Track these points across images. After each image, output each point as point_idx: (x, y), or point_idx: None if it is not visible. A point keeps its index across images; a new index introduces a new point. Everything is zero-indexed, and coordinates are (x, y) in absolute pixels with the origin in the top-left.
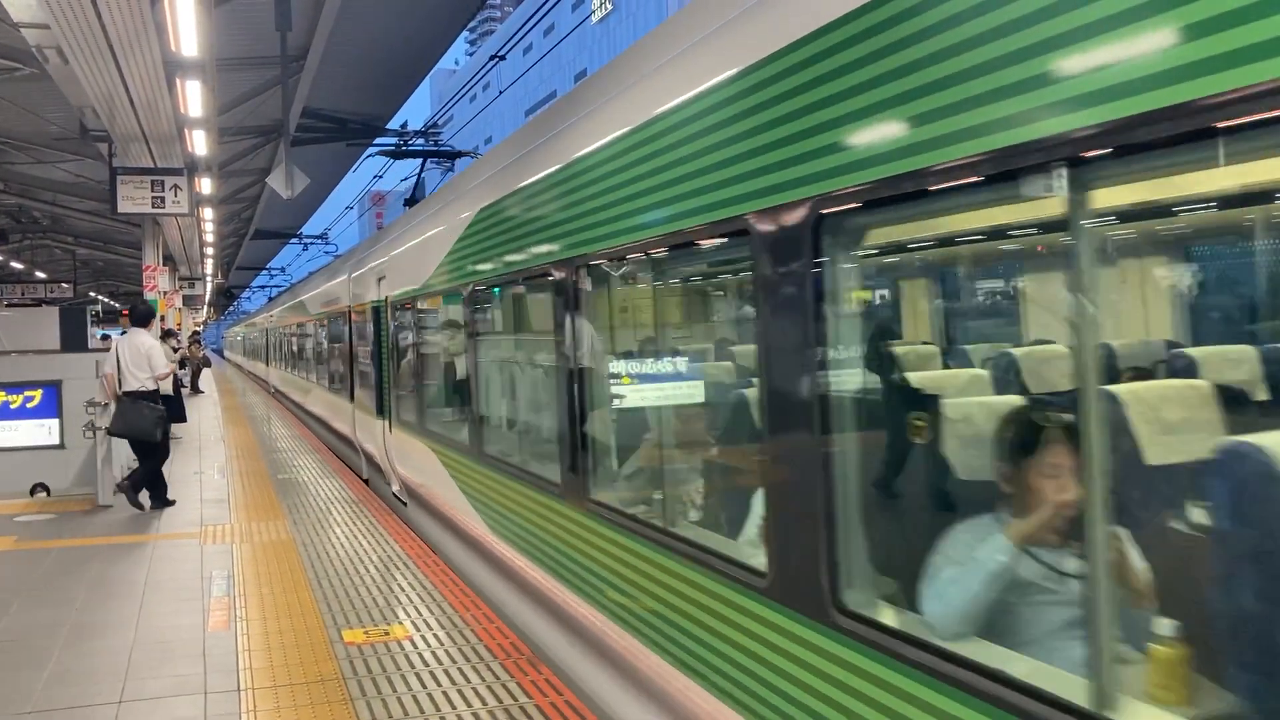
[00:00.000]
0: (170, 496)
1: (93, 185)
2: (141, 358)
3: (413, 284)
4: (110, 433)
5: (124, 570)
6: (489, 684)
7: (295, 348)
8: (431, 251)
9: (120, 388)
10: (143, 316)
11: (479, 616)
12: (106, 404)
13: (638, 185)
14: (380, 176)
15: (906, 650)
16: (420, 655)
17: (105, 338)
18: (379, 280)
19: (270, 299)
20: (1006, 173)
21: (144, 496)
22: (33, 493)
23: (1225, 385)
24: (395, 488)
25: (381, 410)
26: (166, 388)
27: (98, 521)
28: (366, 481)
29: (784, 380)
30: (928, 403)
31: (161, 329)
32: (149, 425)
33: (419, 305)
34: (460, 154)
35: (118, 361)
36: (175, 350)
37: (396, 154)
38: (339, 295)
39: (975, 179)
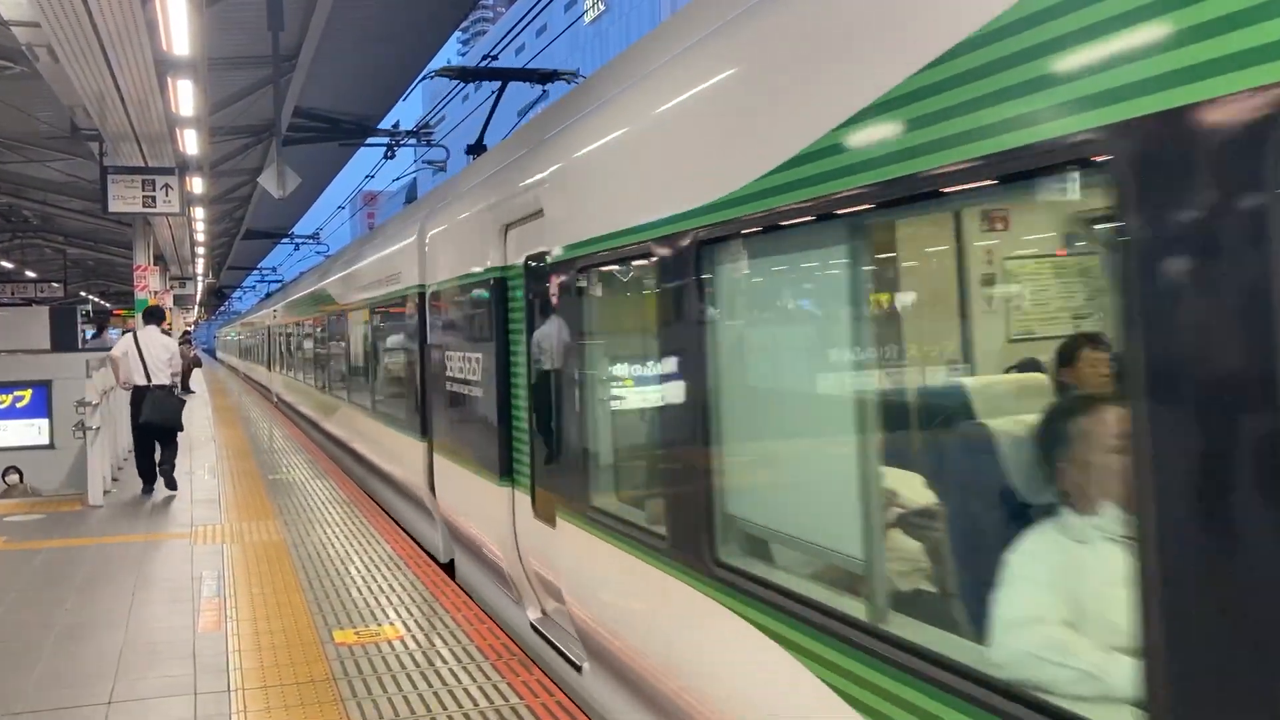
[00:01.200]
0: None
1: (83, 184)
2: (167, 355)
3: (673, 205)
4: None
5: (114, 571)
6: (480, 685)
7: (310, 349)
8: (788, 112)
9: (149, 381)
10: (160, 315)
11: (470, 618)
12: (99, 402)
13: None
14: (372, 176)
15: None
16: (411, 656)
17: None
18: (504, 231)
19: (267, 295)
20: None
21: (159, 483)
22: (4, 475)
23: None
24: (535, 615)
25: (510, 471)
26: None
27: (88, 522)
28: (449, 567)
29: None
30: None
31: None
32: (178, 414)
33: (722, 254)
34: (557, 75)
35: (140, 355)
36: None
37: (467, 75)
38: (398, 269)
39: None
